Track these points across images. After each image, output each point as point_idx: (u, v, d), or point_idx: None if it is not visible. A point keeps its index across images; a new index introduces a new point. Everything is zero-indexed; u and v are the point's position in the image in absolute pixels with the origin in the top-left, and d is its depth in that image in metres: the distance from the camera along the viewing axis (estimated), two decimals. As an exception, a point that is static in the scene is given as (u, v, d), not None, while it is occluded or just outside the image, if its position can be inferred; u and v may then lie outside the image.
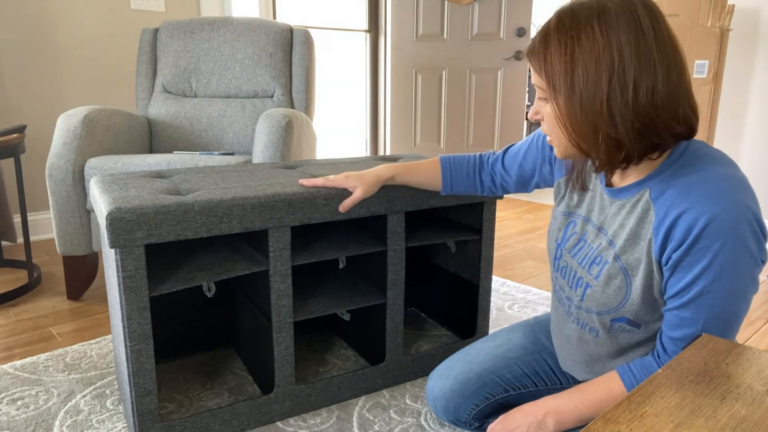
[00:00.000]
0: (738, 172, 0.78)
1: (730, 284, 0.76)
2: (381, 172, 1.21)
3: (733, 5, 2.38)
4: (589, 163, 0.94)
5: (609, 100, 0.76)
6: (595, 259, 0.90)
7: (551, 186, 1.10)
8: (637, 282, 0.84)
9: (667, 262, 0.80)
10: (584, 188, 0.95)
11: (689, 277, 0.77)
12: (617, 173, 0.89)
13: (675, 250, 0.78)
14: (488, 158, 1.20)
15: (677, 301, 0.80)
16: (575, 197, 0.97)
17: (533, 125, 4.46)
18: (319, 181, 1.21)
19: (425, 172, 1.23)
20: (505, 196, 3.31)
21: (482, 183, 1.21)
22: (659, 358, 0.84)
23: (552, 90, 0.80)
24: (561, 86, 0.79)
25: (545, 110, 0.84)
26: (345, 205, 1.19)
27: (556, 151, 0.88)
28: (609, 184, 0.91)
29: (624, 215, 0.86)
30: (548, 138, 0.88)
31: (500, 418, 0.95)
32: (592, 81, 0.76)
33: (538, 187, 1.14)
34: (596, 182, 0.94)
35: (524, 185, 1.15)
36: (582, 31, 0.77)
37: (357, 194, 1.19)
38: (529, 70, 4.04)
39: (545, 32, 0.80)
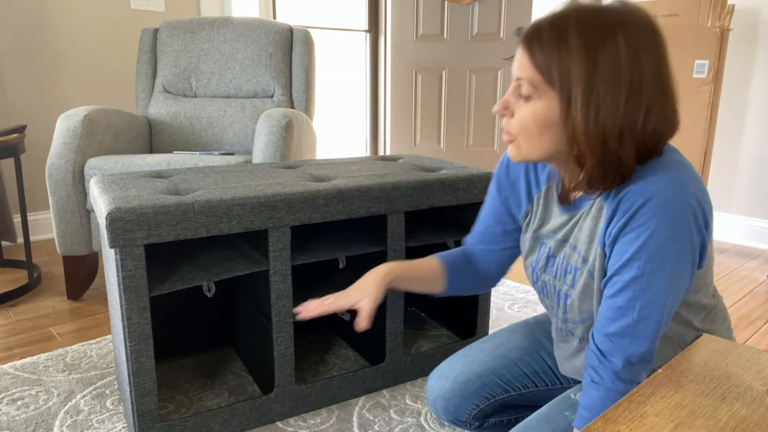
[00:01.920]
0: (679, 156, 0.77)
1: (665, 266, 0.74)
2: (375, 276, 0.99)
3: (733, 5, 2.38)
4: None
5: (624, 116, 0.73)
6: (567, 268, 0.89)
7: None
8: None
9: (605, 243, 0.78)
10: (567, 201, 0.89)
11: (625, 257, 0.75)
12: (567, 185, 0.86)
13: (614, 226, 0.76)
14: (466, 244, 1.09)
15: (612, 288, 0.78)
16: (539, 221, 0.95)
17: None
18: (316, 311, 0.97)
19: (424, 273, 1.03)
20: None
21: (479, 272, 1.07)
22: (598, 373, 0.79)
23: (561, 91, 0.74)
24: (576, 86, 0.72)
25: (524, 108, 0.78)
26: (361, 325, 0.95)
27: (515, 153, 0.82)
28: (561, 201, 0.89)
29: (581, 221, 0.85)
30: (510, 137, 0.81)
31: None
32: (611, 92, 0.72)
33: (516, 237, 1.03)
34: (555, 203, 0.92)
35: (506, 246, 1.04)
36: (607, 38, 0.72)
37: (368, 306, 0.95)
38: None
39: (558, 25, 0.73)
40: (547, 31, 0.74)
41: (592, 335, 0.82)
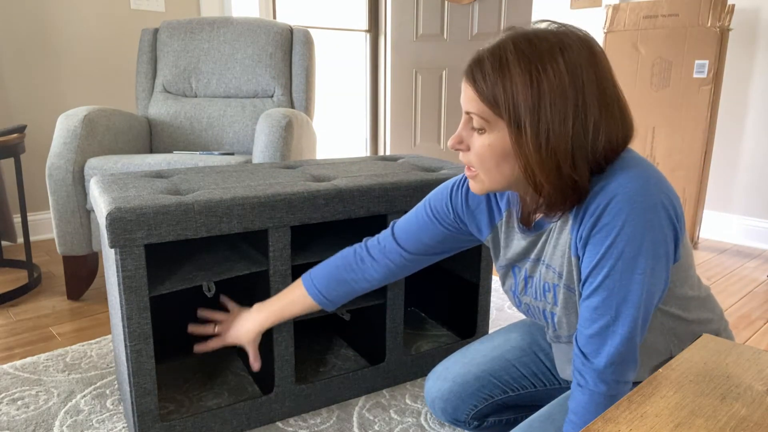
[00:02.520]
0: (643, 159, 0.78)
1: (637, 261, 0.73)
2: (251, 326, 1.15)
3: (733, 5, 2.38)
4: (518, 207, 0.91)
5: (573, 138, 0.73)
6: (545, 287, 0.88)
7: (466, 247, 1.07)
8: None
9: (577, 248, 0.78)
10: (529, 224, 0.89)
11: (596, 258, 0.75)
12: (530, 206, 0.86)
13: (583, 230, 0.76)
14: (367, 244, 1.09)
15: (587, 289, 0.77)
16: (507, 248, 0.95)
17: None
18: (209, 346, 1.18)
19: (296, 304, 1.13)
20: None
21: (370, 278, 1.08)
22: (583, 376, 0.79)
23: (510, 121, 0.73)
24: (525, 119, 0.72)
25: (479, 141, 0.77)
26: (254, 366, 1.19)
27: (478, 187, 0.82)
28: (525, 223, 0.89)
29: (552, 238, 0.85)
30: (471, 172, 0.82)
31: None
32: (559, 119, 0.72)
33: (447, 254, 1.07)
34: (516, 227, 0.91)
35: (427, 258, 1.07)
36: (547, 63, 0.72)
37: (252, 351, 1.17)
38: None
39: (500, 58, 0.73)
40: (489, 61, 0.74)
41: (575, 338, 0.81)
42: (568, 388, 1.07)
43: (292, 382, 1.27)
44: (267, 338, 1.26)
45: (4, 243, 2.55)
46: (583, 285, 0.79)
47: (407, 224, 1.06)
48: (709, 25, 2.39)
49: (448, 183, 1.02)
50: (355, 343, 1.55)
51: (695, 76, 2.44)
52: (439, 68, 3.84)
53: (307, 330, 1.68)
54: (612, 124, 0.75)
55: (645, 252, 0.73)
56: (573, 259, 0.80)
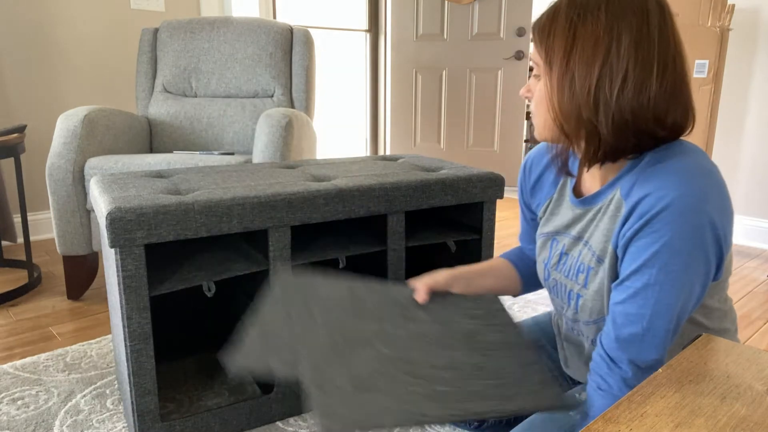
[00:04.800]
0: (707, 163, 0.76)
1: (678, 277, 0.73)
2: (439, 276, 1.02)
3: (733, 5, 2.38)
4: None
5: (597, 85, 0.75)
6: (580, 267, 0.88)
7: None
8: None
9: (618, 244, 0.78)
10: (568, 173, 0.92)
11: (637, 263, 0.75)
12: (587, 178, 0.88)
13: (629, 229, 0.76)
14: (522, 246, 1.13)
15: (623, 293, 0.77)
16: (553, 216, 0.96)
17: (533, 124, 4.46)
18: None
19: (493, 268, 1.07)
20: (505, 195, 3.31)
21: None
22: (605, 380, 0.79)
23: (547, 65, 0.79)
24: (556, 62, 0.78)
25: (536, 88, 0.83)
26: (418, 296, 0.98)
27: (536, 132, 0.86)
28: (579, 195, 0.90)
29: (598, 219, 0.85)
30: (532, 116, 0.86)
31: None
32: (585, 62, 0.75)
33: None
34: (568, 195, 0.92)
35: None
36: (589, 12, 0.76)
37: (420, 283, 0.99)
38: (531, 69, 4.03)
39: (556, 8, 0.80)
40: (545, 13, 0.81)
41: (600, 340, 0.81)
42: (570, 388, 1.07)
43: (293, 382, 1.27)
44: (267, 338, 1.26)
45: (4, 243, 2.55)
46: (618, 286, 0.78)
47: (522, 232, 1.11)
48: (709, 25, 2.39)
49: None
50: (355, 343, 1.55)
51: (695, 75, 2.44)
52: (439, 68, 3.83)
53: (307, 330, 1.68)
54: (646, 85, 0.75)
55: (687, 269, 0.73)
56: (611, 249, 0.80)
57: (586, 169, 0.86)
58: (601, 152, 0.78)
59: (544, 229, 0.98)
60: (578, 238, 0.89)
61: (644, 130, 0.76)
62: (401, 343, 0.84)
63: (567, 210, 0.92)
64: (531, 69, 0.86)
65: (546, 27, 0.80)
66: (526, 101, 3.82)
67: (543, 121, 0.83)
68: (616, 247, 0.79)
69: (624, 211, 0.78)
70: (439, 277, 1.00)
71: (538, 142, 1.08)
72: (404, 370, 0.79)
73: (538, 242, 0.98)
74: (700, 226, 0.72)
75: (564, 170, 0.91)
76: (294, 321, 0.86)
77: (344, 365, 0.78)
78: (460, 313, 0.94)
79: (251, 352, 0.81)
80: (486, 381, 0.80)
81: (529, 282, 1.09)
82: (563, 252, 0.92)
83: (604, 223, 0.83)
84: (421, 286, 0.97)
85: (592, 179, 0.88)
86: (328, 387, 0.75)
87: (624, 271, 0.77)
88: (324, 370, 0.77)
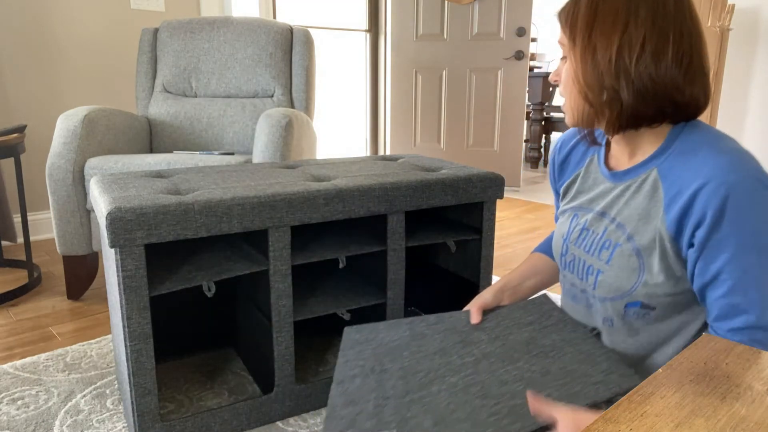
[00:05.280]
0: (741, 146, 0.80)
1: (767, 251, 0.75)
2: (485, 292, 1.09)
3: (733, 5, 2.38)
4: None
5: (618, 54, 0.80)
6: (604, 244, 0.89)
7: None
8: (653, 262, 0.83)
9: (692, 244, 0.79)
10: (595, 142, 0.97)
11: (723, 257, 0.76)
12: (616, 155, 0.91)
13: (698, 228, 0.77)
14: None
15: (723, 287, 0.78)
16: (579, 194, 0.98)
17: (533, 125, 4.46)
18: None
19: (539, 272, 1.12)
20: (505, 195, 3.31)
21: None
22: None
23: (571, 41, 0.85)
24: (579, 37, 0.83)
25: (563, 69, 0.87)
26: (472, 319, 1.03)
27: (567, 116, 0.89)
28: (610, 168, 0.93)
29: (630, 195, 0.87)
30: (564, 101, 0.90)
31: None
32: (606, 34, 0.81)
33: None
34: (596, 169, 0.96)
35: None
36: None
37: (474, 306, 1.04)
38: (531, 70, 4.06)
39: None
40: None
41: (713, 328, 0.81)
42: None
43: (292, 382, 1.27)
44: (267, 338, 1.26)
45: (4, 243, 2.55)
46: (714, 281, 0.79)
47: (556, 213, 1.13)
48: (709, 24, 2.39)
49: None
50: (355, 343, 1.55)
51: (695, 76, 2.44)
52: (439, 68, 3.84)
53: (307, 330, 1.68)
54: (663, 53, 0.80)
55: (760, 234, 0.75)
56: (667, 234, 0.81)
57: (610, 136, 0.90)
58: (624, 118, 0.83)
59: (566, 205, 1.01)
60: (602, 214, 0.91)
61: (663, 96, 0.81)
62: (468, 369, 0.88)
63: (593, 185, 0.95)
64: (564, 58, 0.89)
65: (570, 8, 0.86)
66: (525, 100, 3.82)
67: (571, 99, 0.87)
68: (675, 238, 0.80)
69: (666, 193, 0.81)
70: (486, 295, 1.05)
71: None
72: (477, 394, 0.83)
73: (560, 218, 1.01)
74: (765, 203, 0.75)
75: (592, 140, 0.96)
76: (368, 376, 0.92)
77: (422, 405, 0.83)
78: (514, 324, 0.98)
79: (341, 418, 0.87)
80: (554, 383, 0.84)
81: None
82: (585, 227, 0.94)
83: (638, 202, 0.85)
84: (473, 308, 1.03)
85: (620, 155, 0.91)
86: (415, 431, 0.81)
87: (709, 268, 0.78)
88: (406, 417, 0.82)
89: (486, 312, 1.02)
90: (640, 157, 0.87)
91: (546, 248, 1.16)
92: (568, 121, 0.90)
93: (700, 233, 0.77)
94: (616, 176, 0.90)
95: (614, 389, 0.82)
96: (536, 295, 1.06)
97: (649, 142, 0.86)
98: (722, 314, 0.79)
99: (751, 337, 0.77)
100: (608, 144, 0.97)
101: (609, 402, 0.86)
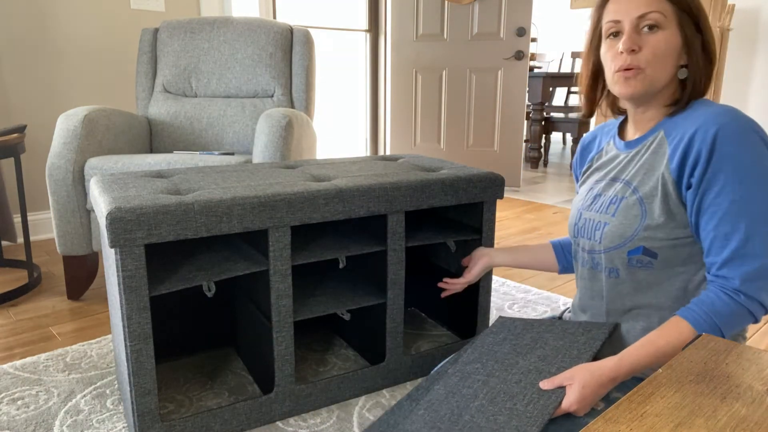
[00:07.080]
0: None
1: (759, 183, 0.81)
2: (487, 251, 1.37)
3: (733, 5, 2.38)
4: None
5: (709, 32, 0.92)
6: (612, 200, 0.96)
7: None
8: (655, 207, 0.89)
9: (690, 185, 0.85)
10: (619, 111, 1.05)
11: (714, 190, 0.83)
12: (631, 130, 1.00)
13: (695, 167, 0.84)
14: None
15: (713, 219, 0.84)
16: (594, 171, 1.06)
17: (533, 125, 4.45)
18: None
19: (539, 254, 1.29)
20: (505, 195, 3.32)
21: None
22: (723, 288, 0.83)
23: (689, 18, 0.90)
24: (697, 17, 0.90)
25: (653, 38, 0.89)
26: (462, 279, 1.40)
27: (639, 85, 0.91)
28: (624, 140, 1.01)
29: (638, 157, 0.95)
30: (637, 70, 0.90)
31: (573, 398, 0.84)
32: (703, 12, 0.91)
33: None
34: (612, 147, 1.03)
35: None
36: None
37: (473, 270, 1.38)
38: (531, 70, 4.04)
39: None
40: None
41: (708, 271, 0.87)
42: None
43: (292, 382, 1.27)
44: (267, 338, 1.26)
45: (4, 243, 2.55)
46: (704, 215, 0.85)
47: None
48: (709, 25, 2.39)
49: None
50: (355, 343, 1.55)
51: (695, 76, 2.44)
52: (439, 68, 3.83)
53: (307, 330, 1.68)
54: (707, 36, 0.93)
55: (761, 174, 0.82)
56: (670, 177, 0.88)
57: (649, 110, 0.96)
58: (688, 92, 0.92)
59: (584, 185, 1.08)
60: (614, 179, 0.98)
61: (710, 77, 0.92)
62: (484, 388, 0.96)
63: (608, 161, 1.02)
64: (614, 34, 0.94)
65: None
66: (525, 100, 3.81)
67: (662, 68, 0.90)
68: (678, 181, 0.87)
69: (670, 145, 0.89)
70: (494, 254, 1.35)
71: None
72: (505, 399, 0.91)
73: (578, 193, 1.09)
74: (754, 142, 0.83)
75: (624, 136, 1.03)
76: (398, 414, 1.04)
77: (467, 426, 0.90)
78: (494, 343, 1.08)
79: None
80: (554, 361, 0.95)
81: (566, 268, 1.26)
82: (598, 194, 1.01)
83: (645, 158, 0.93)
84: (479, 266, 1.35)
85: (635, 130, 0.99)
86: None
87: (705, 202, 0.85)
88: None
89: (521, 331, 1.09)
90: (648, 127, 0.95)
91: (557, 242, 1.26)
92: (640, 87, 0.91)
93: (697, 172, 0.84)
94: (629, 145, 0.98)
95: (602, 335, 0.96)
96: (495, 320, 1.16)
97: (662, 114, 0.95)
98: (716, 247, 0.84)
99: (732, 267, 0.84)
100: (623, 122, 1.05)
101: (609, 402, 0.87)
